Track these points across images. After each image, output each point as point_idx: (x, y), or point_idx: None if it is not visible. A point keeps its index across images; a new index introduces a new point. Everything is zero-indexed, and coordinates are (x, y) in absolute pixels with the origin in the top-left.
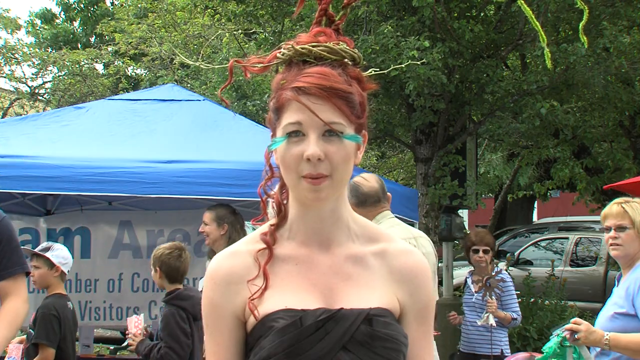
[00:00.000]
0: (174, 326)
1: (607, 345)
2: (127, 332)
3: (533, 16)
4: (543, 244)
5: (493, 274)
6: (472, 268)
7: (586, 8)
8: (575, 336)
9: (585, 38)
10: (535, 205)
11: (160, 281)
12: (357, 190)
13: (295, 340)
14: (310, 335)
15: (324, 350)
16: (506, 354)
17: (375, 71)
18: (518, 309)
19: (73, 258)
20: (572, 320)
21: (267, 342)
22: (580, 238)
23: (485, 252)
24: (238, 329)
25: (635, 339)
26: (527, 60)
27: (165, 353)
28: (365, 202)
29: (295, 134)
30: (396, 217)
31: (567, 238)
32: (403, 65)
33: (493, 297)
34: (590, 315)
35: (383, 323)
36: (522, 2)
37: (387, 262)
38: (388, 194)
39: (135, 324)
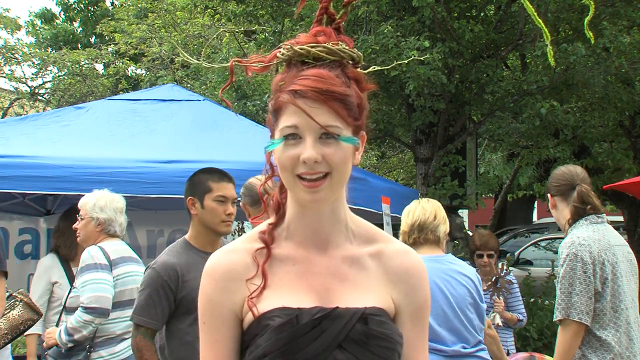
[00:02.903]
0: None
1: None
2: None
3: (535, 13)
4: (543, 244)
5: (502, 274)
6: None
7: (592, 3)
8: None
9: (591, 34)
10: (535, 205)
11: None
12: (253, 190)
13: (291, 339)
14: (306, 334)
15: (319, 348)
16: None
17: (375, 69)
18: (524, 310)
19: None
20: None
21: (262, 340)
22: None
23: (489, 256)
24: (235, 326)
25: None
26: (527, 60)
27: None
28: (259, 202)
29: (292, 136)
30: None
31: None
32: (404, 62)
33: (501, 297)
34: None
35: (378, 322)
36: (525, 0)
37: (383, 262)
38: None
39: None
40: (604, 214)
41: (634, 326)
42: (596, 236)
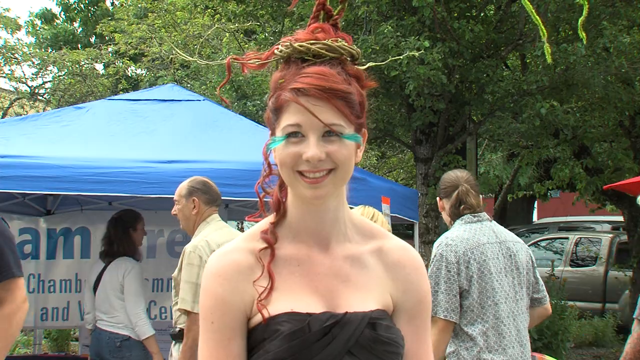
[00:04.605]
0: None
1: None
2: None
3: (534, 11)
4: (543, 244)
5: None
6: None
7: (586, 3)
8: None
9: (584, 34)
10: (535, 205)
11: None
12: (212, 189)
13: (303, 346)
14: (317, 341)
15: (330, 355)
16: None
17: (373, 65)
18: None
19: (73, 258)
20: None
21: (272, 346)
22: (580, 238)
23: None
24: (245, 326)
25: None
26: (527, 60)
27: None
28: (216, 202)
29: (295, 135)
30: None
31: (567, 238)
32: (402, 57)
33: None
34: (591, 316)
35: (385, 327)
36: None
37: (382, 259)
38: None
39: None
40: (482, 213)
41: (505, 321)
42: (465, 235)
